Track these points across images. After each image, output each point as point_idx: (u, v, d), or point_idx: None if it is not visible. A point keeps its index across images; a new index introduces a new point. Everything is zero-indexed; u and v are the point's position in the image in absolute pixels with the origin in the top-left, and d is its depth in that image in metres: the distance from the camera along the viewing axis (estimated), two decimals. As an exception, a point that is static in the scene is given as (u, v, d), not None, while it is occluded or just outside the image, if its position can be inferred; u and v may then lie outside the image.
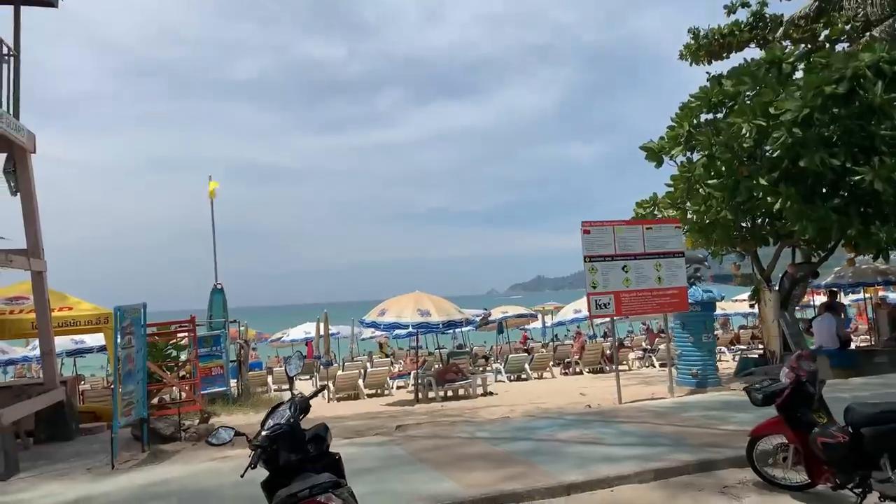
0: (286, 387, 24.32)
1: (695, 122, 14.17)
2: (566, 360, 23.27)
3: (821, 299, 22.90)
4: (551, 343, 29.19)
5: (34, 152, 10.17)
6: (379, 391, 19.40)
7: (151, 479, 7.31)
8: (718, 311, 23.57)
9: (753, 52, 19.37)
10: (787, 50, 14.16)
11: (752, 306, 17.09)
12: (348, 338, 33.43)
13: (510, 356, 21.55)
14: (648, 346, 24.77)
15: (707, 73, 17.43)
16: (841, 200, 12.10)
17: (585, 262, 10.08)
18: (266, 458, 4.06)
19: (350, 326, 31.81)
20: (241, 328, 19.89)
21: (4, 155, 10.06)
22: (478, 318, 21.62)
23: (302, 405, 4.37)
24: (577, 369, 21.75)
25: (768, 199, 12.04)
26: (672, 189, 14.79)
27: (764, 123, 12.02)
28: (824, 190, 12.47)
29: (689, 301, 10.84)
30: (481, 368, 20.54)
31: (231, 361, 17.08)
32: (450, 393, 16.36)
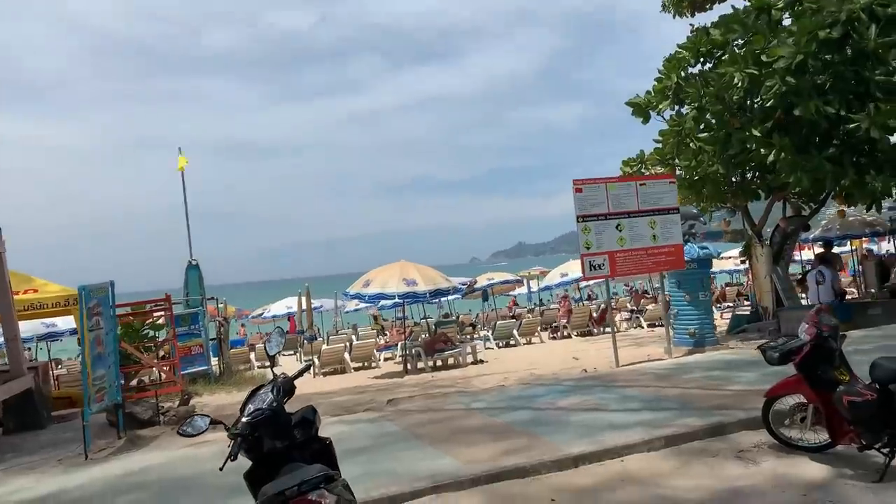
0: (265, 352, 23.75)
1: (683, 73, 13.71)
2: (553, 325, 23.05)
3: (807, 254, 22.87)
4: (537, 308, 28.98)
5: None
6: (366, 364, 19.00)
7: (128, 469, 6.85)
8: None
9: (738, 1, 18.85)
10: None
11: (742, 262, 16.81)
12: (331, 311, 32.99)
13: (498, 323, 21.25)
14: (634, 308, 24.62)
15: (690, 24, 16.93)
16: (835, 150, 11.75)
17: (578, 221, 9.64)
18: (247, 446, 3.61)
19: (333, 299, 31.34)
20: (220, 305, 19.33)
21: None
22: (464, 287, 21.24)
23: (286, 387, 3.91)
24: (566, 333, 21.51)
25: (762, 150, 11.64)
26: (661, 145, 14.37)
27: (756, 72, 11.58)
28: (818, 140, 12.11)
29: (685, 259, 10.48)
30: (468, 336, 20.21)
31: (211, 339, 16.58)
32: (439, 363, 16.01)
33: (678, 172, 13.55)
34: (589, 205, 9.70)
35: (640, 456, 5.72)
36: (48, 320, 17.65)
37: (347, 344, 19.68)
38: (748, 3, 14.04)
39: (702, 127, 13.04)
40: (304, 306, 24.29)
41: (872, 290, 17.51)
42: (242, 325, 34.41)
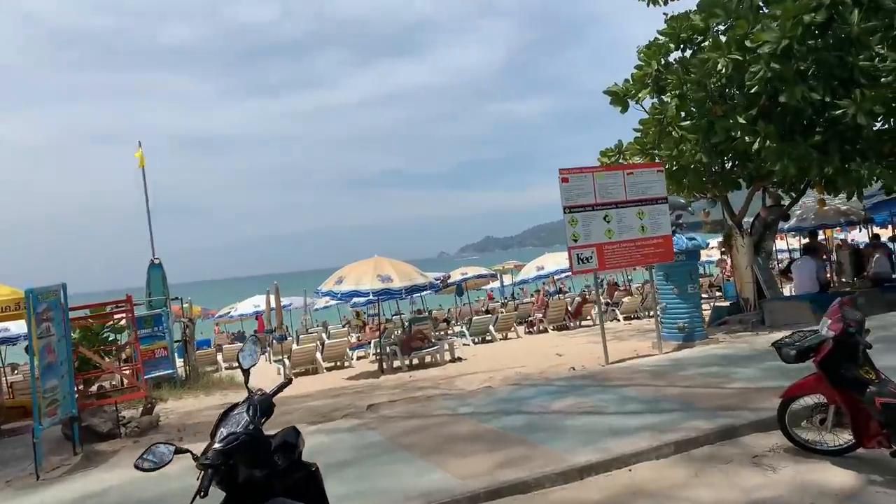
0: (238, 364, 23.00)
1: (663, 61, 13.38)
2: (529, 319, 22.67)
3: (780, 244, 22.86)
4: (511, 302, 28.62)
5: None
6: (338, 363, 18.38)
7: (85, 490, 6.20)
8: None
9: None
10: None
11: (723, 253, 16.58)
12: (301, 309, 32.22)
13: (474, 318, 20.79)
14: (609, 300, 24.37)
15: (664, 13, 16.65)
16: (820, 137, 11.51)
17: (565, 212, 9.19)
18: (220, 477, 3.07)
19: (303, 297, 30.59)
20: (185, 305, 18.53)
21: None
22: (438, 282, 20.73)
23: (263, 406, 3.36)
24: (542, 327, 21.14)
25: (746, 138, 11.35)
26: (640, 134, 14.04)
27: (740, 57, 11.26)
28: (802, 127, 11.86)
29: (674, 250, 10.11)
30: (442, 333, 19.71)
31: (176, 341, 15.82)
32: (415, 361, 15.48)
33: (658, 161, 13.23)
34: (575, 195, 9.26)
35: (649, 464, 5.29)
36: (1, 324, 16.69)
37: (319, 343, 19.02)
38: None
39: (683, 115, 12.74)
40: (272, 304, 23.57)
41: (850, 280, 17.44)
42: (217, 325, 33.38)
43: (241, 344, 26.79)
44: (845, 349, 4.81)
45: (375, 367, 16.59)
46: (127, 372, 11.66)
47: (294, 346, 18.76)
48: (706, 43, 13.23)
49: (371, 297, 14.40)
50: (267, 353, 23.74)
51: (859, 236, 23.59)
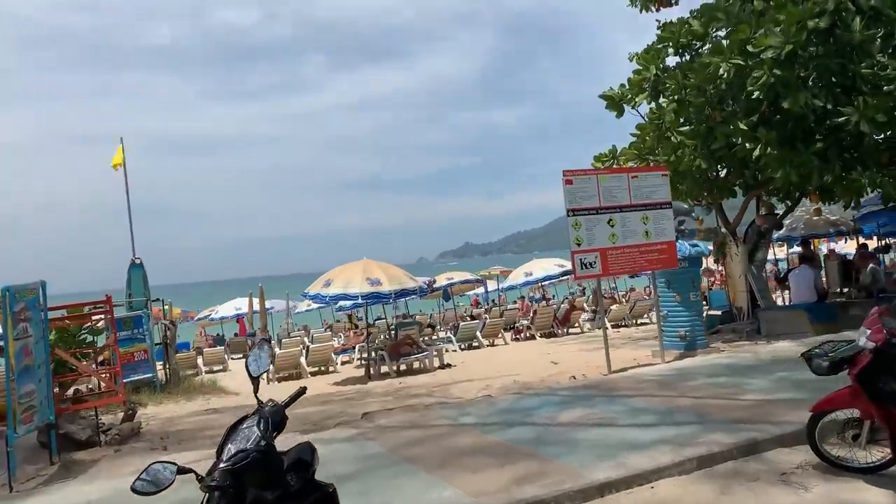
0: (218, 368, 22.59)
1: (661, 65, 13.19)
2: (515, 326, 22.42)
3: (769, 253, 22.82)
4: (495, 308, 28.35)
5: None
6: (322, 368, 17.96)
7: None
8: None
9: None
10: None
11: (717, 262, 16.43)
12: (282, 312, 31.67)
13: (462, 324, 20.45)
14: (593, 308, 24.16)
15: (657, 20, 16.54)
16: (822, 144, 11.37)
17: (569, 215, 8.90)
18: (227, 501, 2.71)
19: (285, 300, 30.08)
20: (165, 307, 17.99)
21: None
22: (426, 286, 20.37)
23: (275, 419, 3.01)
24: (529, 334, 20.87)
25: (747, 144, 11.17)
26: (636, 139, 13.84)
27: (742, 62, 11.09)
28: (803, 134, 11.71)
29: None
30: (427, 338, 19.35)
31: (156, 344, 15.30)
32: (403, 367, 15.11)
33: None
34: (579, 198, 8.97)
35: (671, 481, 4.99)
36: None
37: (303, 348, 18.56)
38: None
39: (682, 120, 12.55)
40: (255, 307, 23.09)
41: (841, 290, 17.37)
42: (203, 328, 32.65)
43: (221, 347, 26.10)
44: (884, 361, 4.56)
45: (361, 372, 16.20)
46: (105, 375, 11.17)
47: (277, 351, 18.28)
48: (705, 49, 13.11)
49: (360, 300, 14.01)
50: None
51: (844, 247, 23.68)
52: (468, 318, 24.87)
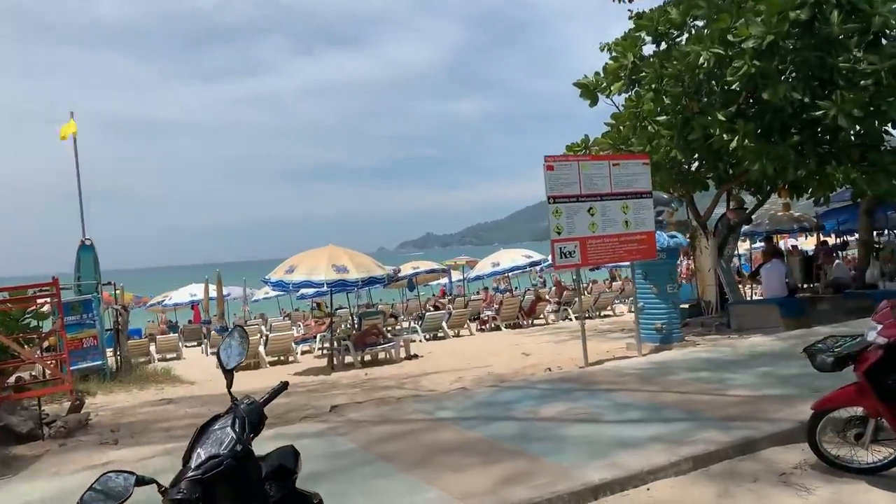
0: (172, 356, 21.73)
1: (638, 53, 12.97)
2: (480, 317, 22.14)
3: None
4: (459, 299, 28.05)
5: None
6: (282, 358, 17.39)
7: (-1, 505, 5.22)
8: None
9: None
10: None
11: (685, 255, 16.36)
12: (239, 300, 30.82)
13: (427, 314, 20.06)
14: (557, 299, 24.04)
15: (629, 10, 16.38)
16: (799, 138, 11.29)
17: (550, 202, 8.58)
18: (195, 513, 2.27)
19: (241, 288, 29.26)
20: (116, 291, 17.16)
21: None
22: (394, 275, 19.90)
23: (252, 418, 2.58)
24: (494, 325, 20.62)
25: (724, 136, 11.01)
26: (611, 129, 13.62)
27: (722, 52, 10.92)
28: (780, 127, 11.63)
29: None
30: (390, 328, 18.91)
31: (107, 330, 14.55)
32: (367, 358, 14.65)
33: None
34: (560, 185, 8.65)
35: (668, 482, 4.70)
36: None
37: (262, 336, 17.93)
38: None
39: (659, 110, 12.36)
40: (212, 294, 22.32)
41: (802, 286, 17.52)
42: (164, 313, 31.45)
43: (175, 335, 25.18)
44: (894, 358, 4.33)
45: (323, 362, 15.71)
46: (50, 362, 10.47)
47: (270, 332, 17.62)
48: (682, 38, 12.93)
49: (325, 288, 13.50)
50: (203, 345, 22.46)
51: (804, 243, 24.00)
52: (432, 309, 24.52)
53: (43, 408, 8.37)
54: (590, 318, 21.33)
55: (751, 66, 10.47)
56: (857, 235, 19.40)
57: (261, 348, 16.65)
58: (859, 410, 4.64)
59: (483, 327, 21.05)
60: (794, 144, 11.23)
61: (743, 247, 24.97)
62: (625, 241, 9.10)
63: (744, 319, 12.31)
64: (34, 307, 10.70)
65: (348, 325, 18.43)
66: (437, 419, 6.46)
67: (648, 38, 12.86)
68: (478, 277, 24.01)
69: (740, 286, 16.42)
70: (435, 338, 19.26)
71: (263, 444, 2.58)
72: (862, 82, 10.58)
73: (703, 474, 4.82)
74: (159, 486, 2.25)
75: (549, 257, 23.52)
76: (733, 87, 10.95)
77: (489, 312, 21.93)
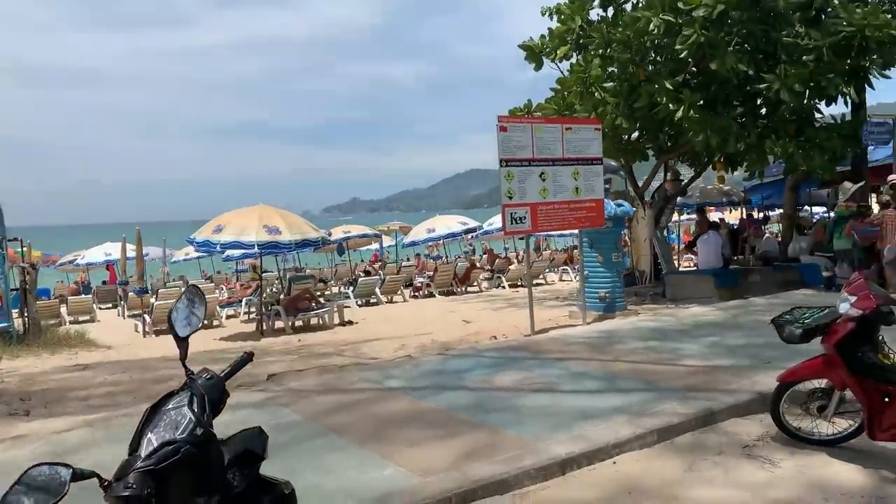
0: (85, 318, 20.45)
1: (586, 17, 12.74)
2: (414, 283, 21.88)
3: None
4: (391, 265, 27.67)
5: None
6: (206, 322, 16.60)
7: None
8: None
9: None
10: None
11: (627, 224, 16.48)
12: (158, 261, 29.36)
13: (361, 279, 19.59)
14: (489, 267, 24.01)
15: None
16: (743, 110, 11.38)
17: (502, 165, 8.26)
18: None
19: (161, 248, 27.86)
20: (23, 249, 15.90)
21: None
22: (330, 237, 19.31)
23: (213, 395, 2.17)
24: (428, 292, 20.38)
25: (670, 105, 10.96)
26: (555, 94, 13.40)
27: (672, 19, 10.81)
28: (724, 98, 11.69)
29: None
30: (320, 294, 18.37)
31: (12, 290, 13.45)
32: (299, 323, 14.13)
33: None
34: (514, 147, 8.33)
35: (633, 455, 4.54)
36: None
37: (185, 299, 17.05)
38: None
39: (606, 76, 12.20)
40: (129, 253, 21.10)
41: (731, 258, 17.98)
42: (84, 272, 29.49)
43: (88, 296, 23.77)
44: (867, 330, 4.27)
45: (250, 327, 15.10)
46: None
47: (154, 301, 16.71)
48: (628, 4, 12.79)
49: (255, 249, 12.84)
50: (120, 307, 21.29)
51: (729, 217, 24.75)
52: (363, 274, 24.06)
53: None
54: (523, 286, 21.38)
55: (700, 34, 10.41)
56: (778, 210, 20.15)
57: (183, 312, 15.82)
58: (823, 383, 4.60)
59: (416, 294, 20.80)
60: (736, 116, 11.31)
61: (672, 218, 25.59)
62: (574, 209, 8.92)
63: (678, 289, 12.49)
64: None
65: (276, 289, 17.80)
66: (387, 388, 6.12)
67: (596, 2, 12.64)
68: (412, 243, 23.66)
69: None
70: (367, 304, 18.86)
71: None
72: (804, 58, 10.72)
73: (668, 447, 4.70)
74: (101, 479, 1.82)
75: (485, 224, 23.52)
76: (681, 55, 10.88)
77: (422, 279, 21.69)
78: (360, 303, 18.57)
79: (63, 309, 19.75)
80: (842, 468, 4.31)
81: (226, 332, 14.97)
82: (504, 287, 20.97)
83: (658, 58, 11.83)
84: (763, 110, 11.90)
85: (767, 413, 4.93)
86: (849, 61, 11.01)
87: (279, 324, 13.89)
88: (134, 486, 1.81)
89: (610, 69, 12.15)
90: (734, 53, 10.73)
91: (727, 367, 6.28)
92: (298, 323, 14.12)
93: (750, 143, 11.55)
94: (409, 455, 4.41)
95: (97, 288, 26.01)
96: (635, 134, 13.39)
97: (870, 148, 13.04)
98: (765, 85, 10.67)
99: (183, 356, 2.28)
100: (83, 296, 23.50)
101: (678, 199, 18.73)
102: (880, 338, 4.31)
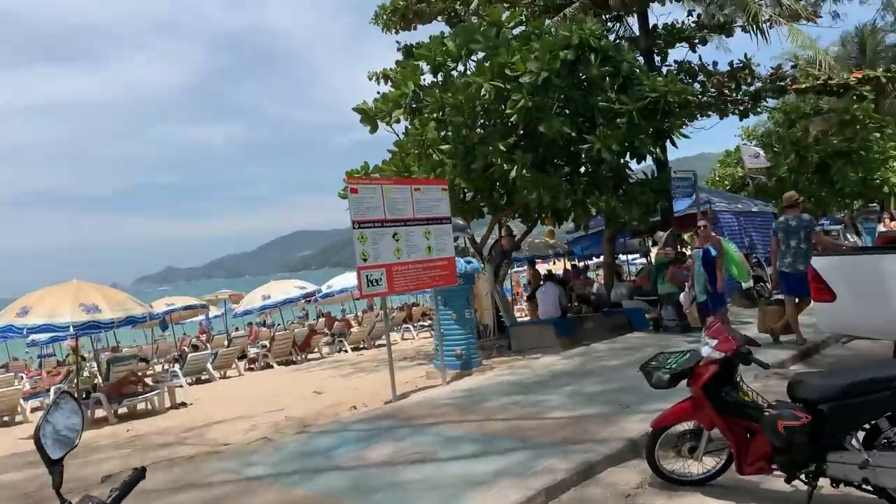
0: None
1: (419, 82, 13.10)
2: (249, 355, 20.69)
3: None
4: (218, 337, 26.01)
5: None
6: (7, 419, 14.49)
7: None
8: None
9: (441, 26, 19.21)
10: (503, 17, 13.75)
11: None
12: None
13: (190, 355, 18.11)
14: (327, 331, 23.39)
15: (397, 42, 16.76)
16: (569, 169, 12.18)
17: (355, 227, 8.05)
18: None
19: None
20: None
21: None
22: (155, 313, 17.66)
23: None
24: (265, 363, 19.33)
25: (504, 166, 11.47)
26: (393, 156, 13.55)
27: (501, 85, 11.41)
28: (553, 159, 12.45)
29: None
30: (141, 374, 16.72)
31: None
32: (122, 411, 12.67)
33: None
34: (365, 209, 8.18)
35: (527, 519, 4.43)
36: None
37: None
38: (479, 19, 14.16)
39: (442, 139, 12.55)
40: None
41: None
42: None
43: None
44: (729, 371, 4.56)
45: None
46: None
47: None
48: (457, 69, 13.36)
49: (71, 331, 11.40)
50: None
51: (555, 268, 26.30)
52: (190, 349, 22.36)
53: None
54: (366, 348, 21.00)
55: (528, 100, 11.07)
56: (596, 259, 21.75)
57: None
58: (692, 424, 4.83)
59: (252, 366, 19.64)
60: (564, 175, 12.08)
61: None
62: (428, 268, 8.91)
63: (522, 340, 12.85)
64: None
65: (88, 374, 15.95)
66: (250, 478, 5.55)
67: (427, 68, 13.06)
68: (246, 312, 22.43)
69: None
70: (198, 381, 17.45)
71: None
72: (618, 120, 11.77)
73: (557, 505, 4.66)
74: None
75: (323, 287, 22.94)
76: (512, 119, 11.49)
77: (256, 350, 20.59)
78: (190, 381, 17.13)
79: None
80: (714, 504, 4.50)
81: (31, 429, 13.06)
82: (347, 351, 20.46)
83: (489, 121, 12.38)
84: (584, 169, 12.80)
85: (640, 459, 5.09)
86: (654, 123, 12.26)
87: (100, 412, 12.36)
88: None
89: (444, 132, 12.51)
90: (558, 117, 11.53)
91: (592, 415, 6.44)
92: (122, 410, 12.68)
93: (577, 199, 12.35)
94: (294, 554, 3.97)
95: None
96: (470, 194, 13.85)
97: (675, 199, 14.55)
98: (587, 145, 11.53)
99: (57, 484, 1.86)
100: None
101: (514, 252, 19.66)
102: (738, 377, 4.62)
